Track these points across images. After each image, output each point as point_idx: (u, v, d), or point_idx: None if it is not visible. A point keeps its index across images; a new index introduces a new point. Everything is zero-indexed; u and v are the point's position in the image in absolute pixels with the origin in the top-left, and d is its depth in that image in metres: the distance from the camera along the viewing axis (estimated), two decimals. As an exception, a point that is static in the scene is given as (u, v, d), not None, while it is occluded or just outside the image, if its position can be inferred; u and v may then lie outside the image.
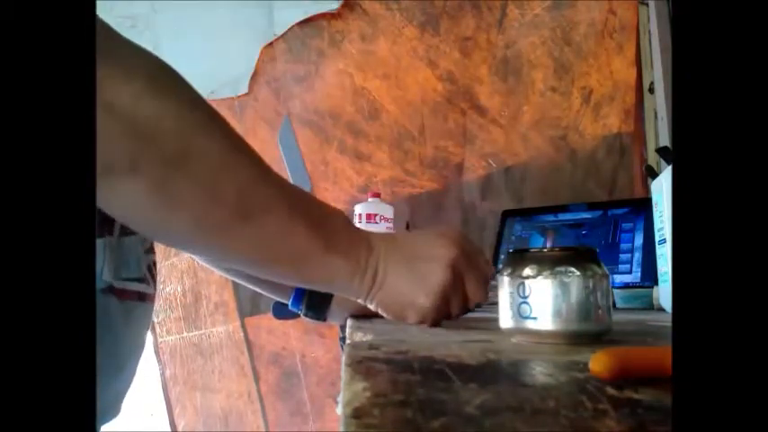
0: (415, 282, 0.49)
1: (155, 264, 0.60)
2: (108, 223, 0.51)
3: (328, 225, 0.47)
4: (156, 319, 2.03)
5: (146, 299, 0.56)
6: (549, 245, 1.03)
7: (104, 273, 0.50)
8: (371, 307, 0.51)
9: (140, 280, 0.55)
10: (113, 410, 0.57)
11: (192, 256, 0.71)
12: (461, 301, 0.51)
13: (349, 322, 0.58)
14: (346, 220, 0.50)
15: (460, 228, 1.30)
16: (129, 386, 0.60)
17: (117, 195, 0.37)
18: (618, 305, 0.91)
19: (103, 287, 0.50)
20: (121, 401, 0.59)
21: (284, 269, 0.48)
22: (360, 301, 0.51)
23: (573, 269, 0.37)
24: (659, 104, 1.16)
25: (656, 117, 1.18)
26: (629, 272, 0.95)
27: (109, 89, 0.34)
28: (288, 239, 0.44)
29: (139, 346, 0.60)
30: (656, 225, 0.68)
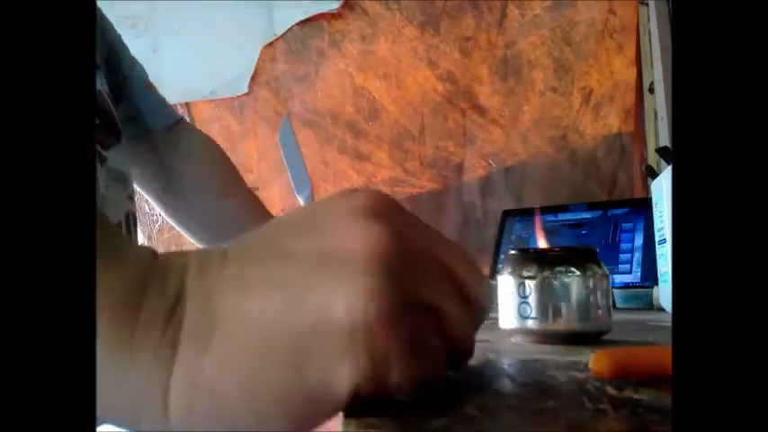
0: None
1: (134, 215, 0.58)
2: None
3: None
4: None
5: None
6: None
7: None
8: None
9: (116, 225, 0.53)
10: None
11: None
12: None
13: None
14: None
15: (459, 228, 1.30)
16: None
17: None
18: (618, 305, 0.91)
19: None
20: None
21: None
22: None
23: (573, 269, 0.37)
24: (659, 104, 1.16)
25: (656, 117, 1.18)
26: (629, 272, 0.95)
27: None
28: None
29: None
30: (656, 225, 0.68)
